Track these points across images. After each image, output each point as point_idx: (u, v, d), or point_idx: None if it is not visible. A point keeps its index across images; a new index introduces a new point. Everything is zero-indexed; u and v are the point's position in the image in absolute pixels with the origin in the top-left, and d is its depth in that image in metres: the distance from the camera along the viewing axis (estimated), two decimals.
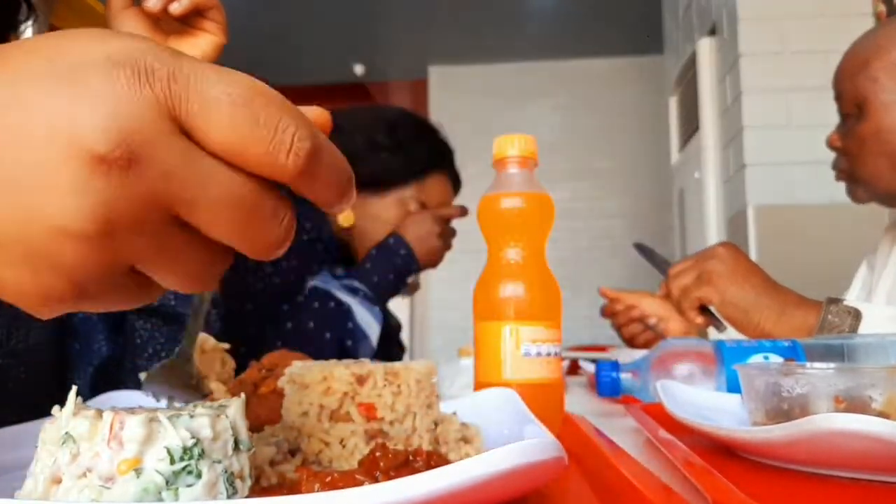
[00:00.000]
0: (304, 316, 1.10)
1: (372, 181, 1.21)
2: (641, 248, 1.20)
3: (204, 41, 0.73)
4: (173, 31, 0.73)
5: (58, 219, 0.22)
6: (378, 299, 1.17)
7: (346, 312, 1.12)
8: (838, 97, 1.03)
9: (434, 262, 1.23)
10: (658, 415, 0.52)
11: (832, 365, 0.48)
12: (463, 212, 1.24)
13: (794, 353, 0.68)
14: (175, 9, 0.69)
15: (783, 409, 0.44)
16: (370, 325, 1.14)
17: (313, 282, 1.14)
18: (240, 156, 0.23)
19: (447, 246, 1.25)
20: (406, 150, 1.23)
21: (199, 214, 0.24)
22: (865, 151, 0.98)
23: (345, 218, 1.20)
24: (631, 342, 1.24)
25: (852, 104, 0.99)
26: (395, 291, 1.21)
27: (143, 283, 0.26)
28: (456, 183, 1.32)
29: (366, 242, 1.23)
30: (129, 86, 0.22)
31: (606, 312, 1.26)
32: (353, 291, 1.14)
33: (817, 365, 0.47)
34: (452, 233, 1.25)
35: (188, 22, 0.73)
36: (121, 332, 0.71)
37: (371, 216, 1.22)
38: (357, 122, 1.24)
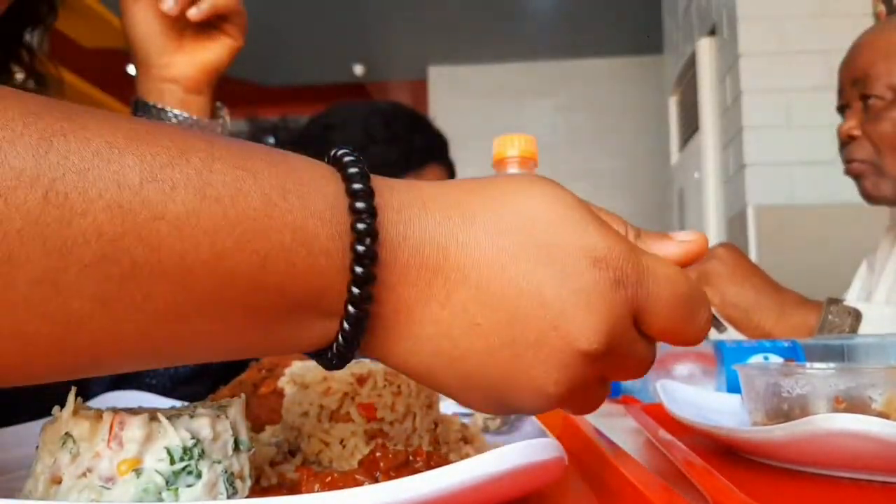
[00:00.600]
0: None
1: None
2: None
3: (222, 44, 0.71)
4: (190, 28, 0.70)
5: (536, 381, 0.28)
6: None
7: None
8: (861, 82, 0.99)
9: None
10: (658, 415, 0.52)
11: (832, 365, 0.48)
12: None
13: (794, 354, 0.67)
14: (193, 15, 0.67)
15: (783, 410, 0.44)
16: None
17: None
18: (663, 336, 0.30)
19: None
20: (403, 141, 1.24)
21: (616, 374, 0.31)
22: None
23: None
24: None
25: (886, 87, 0.96)
26: None
27: None
28: (451, 174, 1.33)
29: None
30: (613, 290, 0.27)
31: None
32: None
33: (817, 365, 0.47)
34: None
35: (208, 23, 0.70)
36: None
37: None
38: (354, 115, 1.26)
